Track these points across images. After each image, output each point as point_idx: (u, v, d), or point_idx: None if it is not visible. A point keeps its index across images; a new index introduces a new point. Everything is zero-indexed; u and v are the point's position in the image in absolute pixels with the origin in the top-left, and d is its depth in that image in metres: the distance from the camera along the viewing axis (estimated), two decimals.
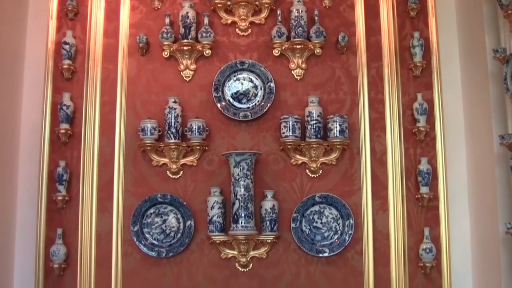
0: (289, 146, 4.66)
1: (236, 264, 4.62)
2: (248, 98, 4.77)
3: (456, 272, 4.69)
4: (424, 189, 4.67)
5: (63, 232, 4.67)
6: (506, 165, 4.19)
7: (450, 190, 4.74)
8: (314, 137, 4.62)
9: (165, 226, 4.66)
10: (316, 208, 4.67)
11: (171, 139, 4.63)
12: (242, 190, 4.49)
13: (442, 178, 4.71)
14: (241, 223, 4.48)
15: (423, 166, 4.69)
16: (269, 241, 4.58)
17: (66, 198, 4.69)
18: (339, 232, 4.65)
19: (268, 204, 4.56)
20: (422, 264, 4.62)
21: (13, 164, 4.82)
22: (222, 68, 4.79)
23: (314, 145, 4.63)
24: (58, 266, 4.63)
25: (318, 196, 4.65)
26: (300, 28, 4.76)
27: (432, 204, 4.70)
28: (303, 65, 4.82)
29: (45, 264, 4.66)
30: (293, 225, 4.61)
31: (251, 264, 4.62)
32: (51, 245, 4.65)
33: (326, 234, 4.65)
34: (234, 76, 4.78)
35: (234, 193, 4.51)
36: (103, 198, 4.69)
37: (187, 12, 4.77)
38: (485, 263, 4.55)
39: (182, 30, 4.78)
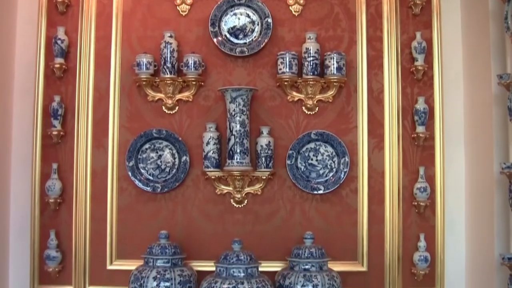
0: (285, 83, 4.61)
1: (231, 200, 4.63)
2: (245, 34, 4.70)
3: (450, 211, 4.72)
4: (420, 129, 4.65)
5: (58, 167, 4.67)
6: (504, 105, 4.17)
7: (447, 130, 4.72)
8: (311, 73, 4.57)
9: (161, 162, 4.66)
10: (312, 145, 4.65)
11: (167, 74, 4.59)
12: (238, 126, 4.47)
13: (438, 117, 4.69)
14: (237, 159, 4.46)
15: (420, 105, 4.65)
16: (264, 177, 4.58)
17: (61, 133, 4.67)
18: (334, 169, 4.65)
19: (263, 140, 4.54)
20: (416, 203, 4.64)
21: (7, 99, 4.78)
22: (219, 3, 4.70)
23: (310, 82, 4.58)
24: (53, 201, 4.64)
25: (314, 134, 4.63)
26: None
27: (428, 143, 4.68)
28: (301, 1, 4.73)
29: (40, 199, 4.67)
30: (288, 162, 4.61)
31: (246, 200, 4.64)
32: (47, 180, 4.66)
33: (321, 172, 4.66)
34: (231, 11, 4.71)
35: (230, 129, 4.48)
36: (98, 133, 4.68)
37: None
38: (479, 202, 4.57)
39: None
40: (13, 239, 4.78)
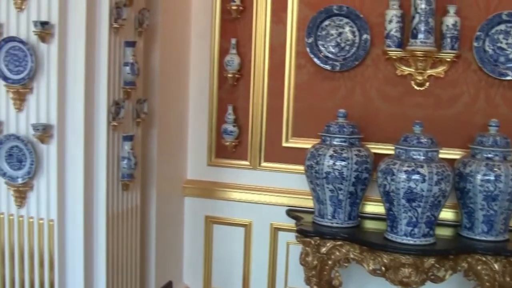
0: None
1: (412, 82, 4.45)
2: None
3: None
4: None
5: (237, 42, 4.70)
6: None
7: None
8: None
9: (340, 39, 4.54)
10: (502, 27, 4.29)
11: None
12: (423, 3, 4.19)
13: None
14: (420, 38, 4.23)
15: None
16: (449, 59, 4.34)
17: (240, 8, 4.66)
18: None
19: (450, 20, 4.26)
20: None
21: None
22: None
23: None
24: (232, 76, 4.71)
25: (506, 14, 4.26)
26: None
27: None
28: None
29: (219, 74, 4.78)
30: (475, 44, 4.32)
31: (428, 83, 4.43)
32: (225, 55, 4.72)
33: (510, 56, 4.33)
34: None
35: (414, 6, 4.22)
36: (277, 8, 4.63)
37: None
38: None
39: None
40: (192, 112, 4.94)
